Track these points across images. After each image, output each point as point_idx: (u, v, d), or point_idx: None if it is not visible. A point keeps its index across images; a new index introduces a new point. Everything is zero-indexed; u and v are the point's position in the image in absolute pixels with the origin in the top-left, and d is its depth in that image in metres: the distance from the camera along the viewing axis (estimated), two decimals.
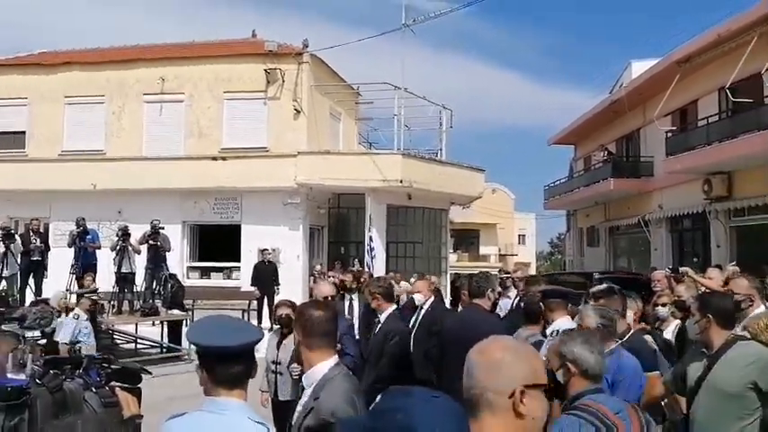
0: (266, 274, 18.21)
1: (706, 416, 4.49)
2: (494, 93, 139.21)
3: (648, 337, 6.08)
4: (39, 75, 22.64)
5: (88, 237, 16.10)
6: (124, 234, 15.78)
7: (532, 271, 50.00)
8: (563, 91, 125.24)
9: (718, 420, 4.41)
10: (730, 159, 19.60)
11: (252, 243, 20.27)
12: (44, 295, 14.20)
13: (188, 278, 20.63)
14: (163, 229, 16.32)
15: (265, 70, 20.66)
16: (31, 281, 15.99)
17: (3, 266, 15.30)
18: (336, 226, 22.77)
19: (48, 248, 16.81)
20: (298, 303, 5.83)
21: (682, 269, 8.97)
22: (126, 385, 2.98)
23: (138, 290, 15.96)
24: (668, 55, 23.62)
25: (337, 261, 20.61)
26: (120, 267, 15.64)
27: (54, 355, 3.00)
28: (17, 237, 16.04)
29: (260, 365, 3.24)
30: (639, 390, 4.68)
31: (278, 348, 6.76)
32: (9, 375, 2.75)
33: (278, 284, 18.18)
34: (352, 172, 19.97)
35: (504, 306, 8.36)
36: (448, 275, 23.87)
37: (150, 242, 16.14)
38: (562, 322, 5.66)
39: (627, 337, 5.48)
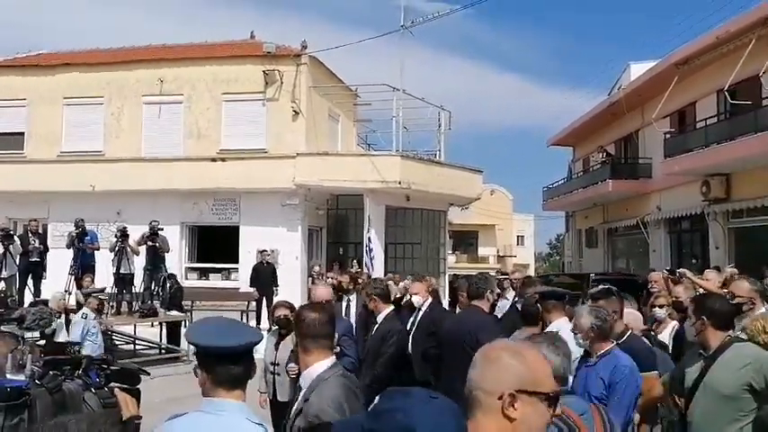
0: (265, 276, 18.22)
1: (703, 417, 4.50)
2: (493, 94, 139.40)
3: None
4: (38, 76, 22.63)
5: (87, 238, 16.08)
6: (123, 235, 15.78)
7: (531, 272, 49.94)
8: (562, 92, 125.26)
9: (715, 422, 4.42)
10: (728, 161, 19.62)
11: (250, 244, 20.26)
12: (43, 296, 14.18)
13: (187, 279, 20.61)
14: (162, 230, 16.31)
15: (264, 72, 20.66)
16: (30, 282, 15.97)
17: (1, 267, 15.28)
18: (335, 227, 22.77)
19: (46, 249, 16.79)
20: (296, 304, 5.84)
21: (679, 270, 8.97)
22: (125, 386, 2.98)
23: (137, 291, 15.97)
24: (667, 57, 23.66)
25: (335, 262, 20.62)
26: (118, 268, 15.64)
27: (53, 356, 3.01)
28: (16, 238, 16.02)
29: (258, 366, 3.25)
30: (637, 390, 4.69)
31: (276, 349, 6.76)
32: (8, 376, 2.77)
33: (276, 285, 18.19)
34: (351, 173, 19.97)
35: (503, 307, 8.36)
36: (446, 277, 23.86)
37: (149, 243, 16.14)
38: (560, 323, 5.68)
39: (625, 337, 5.50)
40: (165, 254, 16.65)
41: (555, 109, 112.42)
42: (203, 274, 21.73)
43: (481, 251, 61.51)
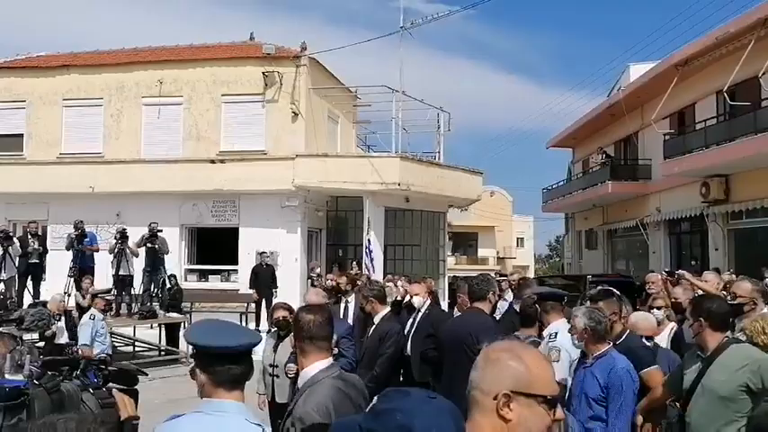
0: (264, 277, 18.22)
1: (701, 418, 4.51)
2: (492, 95, 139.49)
3: None
4: (37, 77, 22.62)
5: (86, 239, 16.09)
6: (122, 237, 15.81)
7: (531, 274, 49.98)
8: (561, 94, 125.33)
9: (713, 423, 4.43)
10: (728, 162, 19.63)
11: (250, 246, 20.26)
12: (42, 298, 14.19)
13: (186, 281, 20.60)
14: (161, 231, 16.33)
15: (263, 73, 20.65)
16: (29, 283, 15.98)
17: (1, 269, 15.29)
18: (334, 229, 22.75)
19: (46, 251, 16.81)
20: (295, 306, 5.84)
21: (678, 272, 8.96)
22: (123, 387, 2.99)
23: (136, 293, 15.99)
24: (666, 58, 23.69)
25: (335, 264, 20.61)
26: (117, 270, 15.67)
27: (52, 357, 3.01)
28: (15, 239, 16.01)
29: (256, 368, 3.25)
30: (635, 391, 4.68)
31: (275, 351, 6.77)
32: (7, 376, 2.77)
33: (276, 287, 18.18)
34: (350, 175, 19.96)
35: (501, 309, 8.36)
36: (446, 278, 23.84)
37: (148, 245, 16.16)
38: (558, 324, 5.68)
39: (622, 338, 5.50)
40: (165, 255, 16.67)
41: (555, 110, 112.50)
42: (203, 275, 21.72)
43: (481, 253, 61.54)
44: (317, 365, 3.41)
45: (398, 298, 9.58)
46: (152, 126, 21.69)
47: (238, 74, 21.26)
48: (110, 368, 3.03)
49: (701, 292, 7.40)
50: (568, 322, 5.28)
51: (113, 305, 15.04)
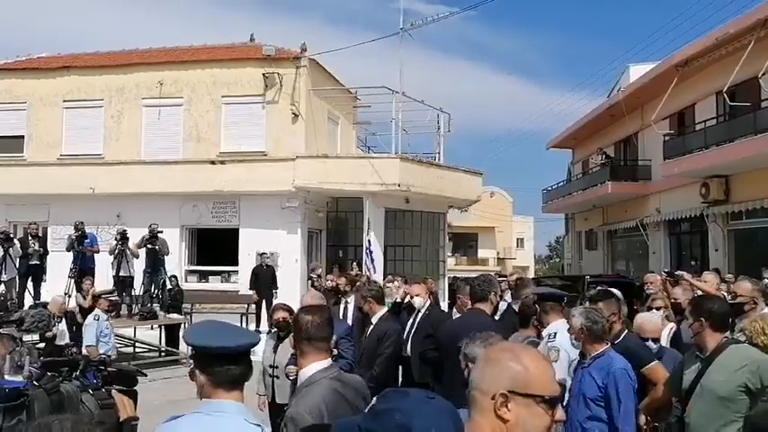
0: (264, 278, 18.21)
1: (700, 418, 4.51)
2: (492, 96, 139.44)
3: None
4: (37, 79, 22.65)
5: (87, 241, 16.09)
6: (122, 238, 15.82)
7: (531, 274, 49.95)
8: (561, 95, 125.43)
9: (712, 423, 4.43)
10: (728, 163, 19.63)
11: (250, 247, 20.26)
12: (43, 299, 14.20)
13: (186, 282, 20.60)
14: (161, 232, 16.34)
15: (263, 74, 20.66)
16: (30, 285, 16.00)
17: (1, 270, 15.30)
18: (334, 229, 22.74)
19: (46, 252, 16.83)
20: (295, 307, 5.84)
21: (677, 272, 8.98)
22: (122, 387, 3.00)
23: (137, 294, 15.99)
24: (666, 59, 23.69)
25: (335, 264, 20.59)
26: (118, 271, 15.68)
27: (51, 358, 3.02)
28: (16, 241, 16.04)
29: (255, 368, 3.25)
30: (634, 390, 4.68)
31: (275, 352, 6.78)
32: (7, 377, 2.78)
33: (276, 288, 18.17)
34: (350, 176, 19.96)
35: (500, 309, 8.36)
36: (446, 279, 23.84)
37: (148, 246, 16.17)
38: (557, 324, 5.68)
39: (621, 338, 5.51)
40: (165, 257, 16.68)
41: (555, 111, 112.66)
42: (203, 276, 21.73)
43: (481, 253, 61.55)
44: (314, 366, 3.41)
45: (398, 299, 9.58)
46: (152, 127, 21.72)
47: (238, 75, 21.27)
48: (109, 369, 3.04)
49: (700, 293, 7.41)
50: (568, 323, 5.29)
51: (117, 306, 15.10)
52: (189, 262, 21.74)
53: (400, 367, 7.79)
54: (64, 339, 9.90)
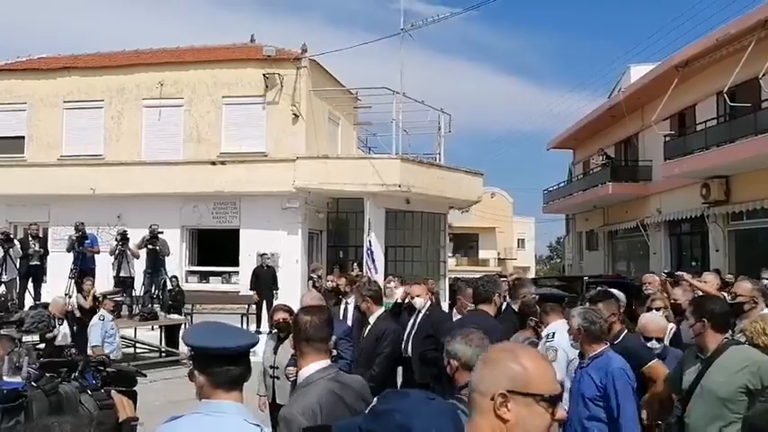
0: (265, 279, 18.20)
1: (700, 419, 4.51)
2: (493, 97, 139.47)
3: None
4: (38, 79, 22.66)
5: (87, 241, 16.10)
6: (123, 238, 15.83)
7: (532, 275, 49.95)
8: (562, 95, 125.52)
9: (712, 424, 4.42)
10: (728, 163, 19.64)
11: (251, 247, 20.26)
12: (43, 300, 14.20)
13: (187, 282, 20.60)
14: (162, 233, 16.34)
15: (264, 75, 20.67)
16: (30, 285, 16.00)
17: (2, 271, 15.32)
18: (335, 230, 22.74)
19: (46, 253, 16.83)
20: (295, 308, 5.84)
21: (677, 273, 8.97)
22: (122, 388, 2.99)
23: (137, 294, 15.99)
24: (666, 59, 23.70)
25: (336, 265, 20.58)
26: (118, 272, 15.69)
27: (50, 359, 3.02)
28: (16, 241, 16.05)
29: (255, 369, 3.25)
30: (633, 390, 4.68)
31: (275, 353, 6.78)
32: (5, 378, 2.77)
33: (277, 289, 18.17)
34: (351, 176, 19.95)
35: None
36: (447, 279, 23.84)
37: (149, 246, 16.17)
38: (556, 325, 5.68)
39: (621, 338, 5.51)
40: (166, 257, 16.68)
41: (555, 112, 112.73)
42: (203, 277, 21.74)
43: (482, 254, 61.57)
44: (313, 366, 3.41)
45: (399, 299, 9.57)
46: (153, 128, 21.72)
47: (239, 76, 21.27)
48: (108, 370, 3.04)
49: (700, 293, 7.41)
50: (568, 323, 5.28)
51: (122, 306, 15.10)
52: (189, 263, 21.75)
53: (400, 368, 7.78)
54: (65, 341, 9.89)
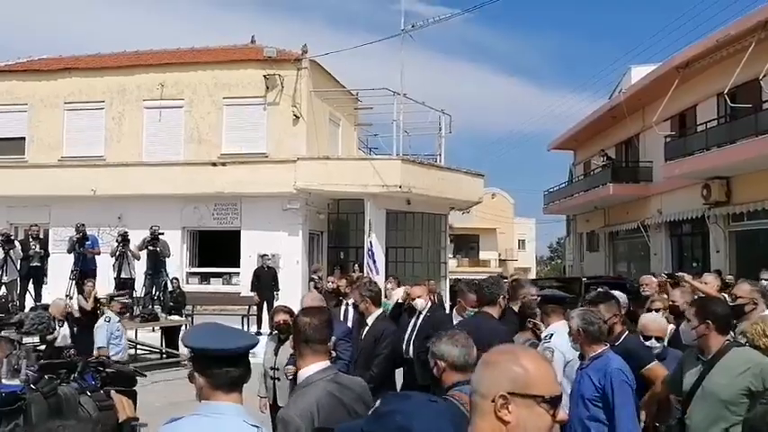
0: (266, 280, 18.19)
1: (701, 421, 4.50)
2: (493, 98, 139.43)
3: None
4: (39, 80, 22.67)
5: (88, 242, 16.12)
6: (124, 240, 15.84)
7: (532, 276, 49.96)
8: (562, 96, 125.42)
9: (713, 426, 4.41)
10: (729, 164, 19.65)
11: (251, 248, 20.27)
12: (44, 301, 14.21)
13: (188, 284, 20.61)
14: (162, 234, 16.35)
15: (264, 76, 20.68)
16: (31, 287, 16.00)
17: (2, 272, 15.32)
18: (336, 231, 22.75)
19: (47, 254, 16.84)
20: (296, 309, 5.84)
21: (678, 274, 8.97)
22: (121, 388, 2.99)
23: (138, 296, 15.99)
24: (667, 60, 23.71)
25: (336, 266, 20.59)
26: (119, 273, 15.70)
27: (50, 360, 3.01)
28: (17, 242, 16.05)
29: (256, 370, 3.25)
30: (632, 390, 4.67)
31: (276, 354, 6.77)
32: (3, 381, 2.77)
33: (277, 290, 18.17)
34: (352, 177, 19.96)
35: None
36: (447, 280, 23.84)
37: (150, 248, 16.18)
38: (557, 326, 5.67)
39: (621, 339, 5.50)
40: (166, 258, 16.68)
41: (556, 112, 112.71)
42: (204, 278, 21.73)
43: (482, 255, 61.58)
44: (312, 368, 3.42)
45: (400, 301, 9.55)
46: (153, 129, 21.74)
47: (240, 77, 21.28)
48: (108, 370, 3.04)
49: (699, 295, 7.40)
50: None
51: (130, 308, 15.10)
52: (190, 264, 21.74)
53: (401, 369, 7.77)
54: (65, 342, 9.88)
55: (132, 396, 2.98)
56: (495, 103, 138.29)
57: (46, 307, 10.62)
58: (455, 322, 7.37)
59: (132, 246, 16.02)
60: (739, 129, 19.51)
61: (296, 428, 3.09)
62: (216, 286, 21.38)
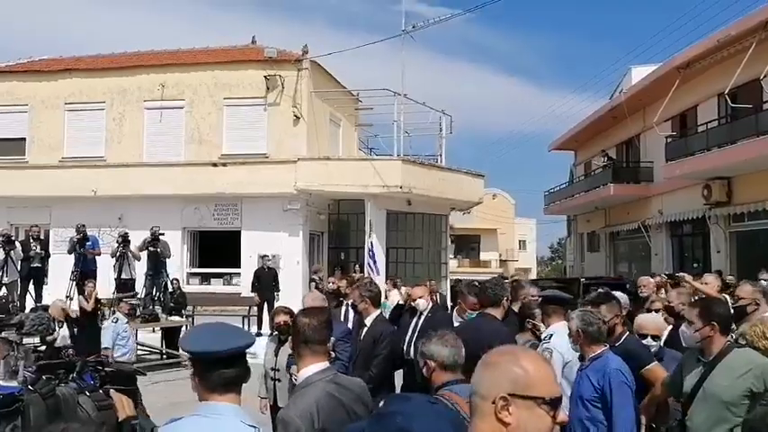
0: (266, 280, 18.19)
1: (702, 423, 4.48)
2: (494, 98, 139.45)
3: None
4: (39, 81, 22.67)
5: (88, 243, 16.13)
6: (124, 240, 15.85)
7: (533, 276, 49.95)
8: (563, 96, 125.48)
9: (715, 427, 4.40)
10: (730, 165, 19.65)
11: (252, 249, 20.28)
12: (45, 302, 14.21)
13: (188, 284, 20.60)
14: (163, 235, 16.35)
15: (265, 77, 20.67)
16: (32, 287, 16.00)
17: (3, 273, 15.32)
18: (336, 232, 22.76)
19: (48, 255, 16.84)
20: (296, 309, 5.84)
21: (678, 274, 8.97)
22: (121, 387, 2.99)
23: (138, 296, 15.99)
24: (668, 60, 23.70)
25: (337, 267, 20.59)
26: (120, 274, 15.71)
27: (47, 361, 3.01)
28: (17, 243, 16.06)
29: (256, 371, 3.25)
30: (631, 391, 4.66)
31: (276, 355, 6.77)
32: (1, 383, 2.76)
33: (278, 290, 18.17)
34: (352, 178, 19.96)
35: None
36: (448, 281, 23.84)
37: (150, 248, 16.18)
38: (557, 327, 5.66)
39: (621, 340, 5.49)
40: (167, 259, 16.68)
41: (557, 113, 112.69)
42: (205, 279, 21.72)
43: (483, 255, 61.58)
44: (311, 368, 3.42)
45: (401, 301, 9.56)
46: (154, 130, 21.74)
47: (240, 77, 21.28)
48: (107, 369, 3.03)
49: (698, 296, 7.40)
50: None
51: (115, 309, 15.08)
52: (191, 264, 21.74)
53: (401, 370, 7.76)
54: (64, 343, 9.87)
55: (132, 395, 2.97)
56: (495, 103, 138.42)
57: (46, 308, 10.61)
58: (455, 324, 7.36)
59: (133, 246, 16.02)
60: (740, 129, 19.51)
61: (296, 429, 3.09)
62: (216, 287, 21.37)
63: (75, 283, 15.25)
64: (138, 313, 15.30)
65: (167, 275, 16.73)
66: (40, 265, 16.20)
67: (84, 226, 16.17)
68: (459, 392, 3.42)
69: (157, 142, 21.60)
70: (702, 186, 21.69)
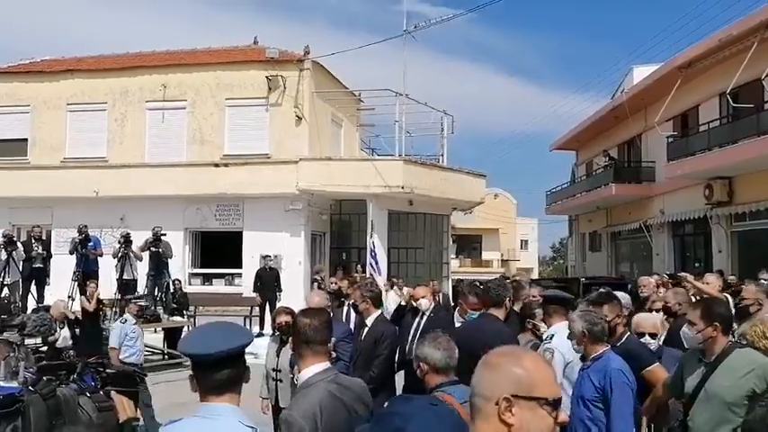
0: (268, 281, 18.21)
1: (704, 423, 4.47)
2: (496, 98, 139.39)
3: None
4: (41, 82, 22.69)
5: (90, 244, 16.14)
6: (126, 241, 15.87)
7: (535, 276, 49.92)
8: (565, 96, 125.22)
9: (717, 428, 4.38)
10: (731, 164, 19.63)
11: (254, 249, 20.28)
12: (46, 302, 14.23)
13: (190, 285, 20.58)
14: (164, 235, 16.38)
15: (267, 77, 20.68)
16: (33, 288, 16.01)
17: (5, 274, 15.32)
18: (338, 232, 22.76)
19: (49, 256, 16.83)
20: (298, 310, 5.84)
21: (680, 274, 8.97)
22: (122, 388, 2.99)
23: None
24: (669, 60, 23.68)
25: (339, 267, 20.59)
26: (121, 274, 15.72)
27: (48, 361, 3.01)
28: (19, 244, 16.05)
29: (258, 372, 3.25)
30: (632, 391, 4.65)
31: (278, 355, 6.76)
32: (1, 383, 2.76)
33: (280, 290, 18.18)
34: (354, 178, 19.96)
35: None
36: (450, 281, 23.83)
37: (152, 249, 16.21)
38: (558, 327, 5.66)
39: (622, 340, 5.49)
40: (169, 259, 16.69)
41: (558, 113, 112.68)
42: (206, 279, 21.73)
43: (485, 255, 61.54)
44: (312, 369, 3.42)
45: (403, 302, 9.55)
46: (156, 130, 21.75)
47: (242, 78, 21.28)
48: (108, 370, 3.03)
49: (698, 296, 7.40)
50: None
51: (117, 310, 15.09)
52: (192, 265, 21.75)
53: (403, 371, 7.76)
54: (66, 343, 9.88)
55: (134, 396, 2.97)
56: (497, 103, 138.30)
57: (48, 308, 10.65)
58: (457, 324, 7.35)
59: (134, 247, 16.04)
60: (741, 129, 19.49)
61: (299, 429, 3.10)
62: (218, 287, 21.38)
63: (77, 283, 15.26)
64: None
65: (169, 276, 16.74)
66: (41, 266, 16.20)
67: (85, 226, 16.18)
68: (453, 394, 3.48)
69: (159, 143, 21.61)
70: (704, 186, 21.66)
